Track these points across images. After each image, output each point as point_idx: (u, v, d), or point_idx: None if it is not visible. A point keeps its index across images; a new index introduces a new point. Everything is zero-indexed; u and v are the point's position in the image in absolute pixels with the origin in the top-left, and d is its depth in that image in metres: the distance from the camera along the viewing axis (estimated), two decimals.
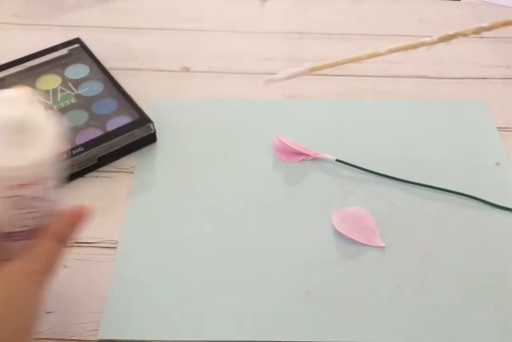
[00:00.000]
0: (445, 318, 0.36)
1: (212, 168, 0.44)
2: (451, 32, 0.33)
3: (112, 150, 0.43)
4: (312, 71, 0.33)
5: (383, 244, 0.39)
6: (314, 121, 0.48)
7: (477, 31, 0.33)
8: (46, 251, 0.26)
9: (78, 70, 0.49)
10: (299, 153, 0.44)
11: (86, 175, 0.43)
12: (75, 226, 0.28)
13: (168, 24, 0.57)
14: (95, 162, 0.43)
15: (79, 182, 0.43)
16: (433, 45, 0.32)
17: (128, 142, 0.44)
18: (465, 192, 0.42)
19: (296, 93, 0.50)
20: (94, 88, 0.47)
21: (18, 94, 0.25)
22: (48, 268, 0.26)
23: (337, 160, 0.44)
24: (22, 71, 0.48)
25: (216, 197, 0.42)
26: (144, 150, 0.45)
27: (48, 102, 0.46)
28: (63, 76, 0.48)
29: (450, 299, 0.36)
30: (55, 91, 0.47)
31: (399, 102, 0.49)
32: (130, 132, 0.43)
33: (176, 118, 0.48)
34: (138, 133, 0.44)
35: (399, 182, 0.43)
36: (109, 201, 0.42)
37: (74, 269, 0.38)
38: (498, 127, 0.47)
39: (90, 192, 0.42)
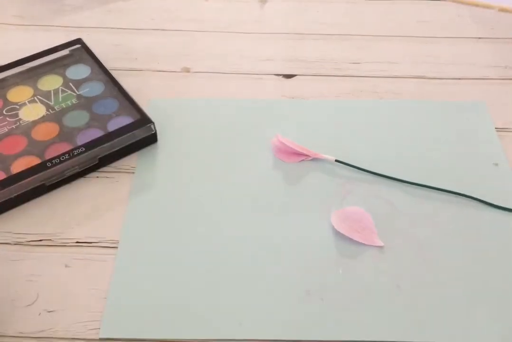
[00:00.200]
0: (445, 317, 0.36)
1: (212, 168, 0.44)
2: None
3: (113, 150, 0.43)
4: None
5: (382, 244, 0.39)
6: (314, 121, 0.48)
7: None
8: None
9: (79, 71, 0.49)
10: (299, 154, 0.45)
11: (87, 175, 0.44)
12: None
13: (169, 25, 0.58)
14: (96, 162, 0.43)
15: (80, 182, 0.43)
16: None
17: (129, 143, 0.44)
18: (464, 192, 0.42)
19: (296, 94, 0.51)
20: (95, 88, 0.48)
21: None
22: None
23: (336, 161, 0.44)
24: (23, 71, 0.49)
25: (216, 197, 0.42)
26: (145, 150, 0.45)
27: (50, 103, 0.46)
28: (64, 77, 0.49)
29: (449, 298, 0.37)
30: (56, 91, 0.47)
31: (398, 103, 0.50)
32: (131, 133, 0.43)
33: (177, 118, 0.48)
34: (139, 134, 0.44)
35: (398, 182, 0.43)
36: (110, 201, 0.42)
37: (75, 269, 0.38)
38: (496, 128, 0.48)
39: (91, 192, 0.43)
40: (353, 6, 0.61)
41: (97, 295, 0.37)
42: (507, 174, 0.44)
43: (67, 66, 0.50)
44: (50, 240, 0.40)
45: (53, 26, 0.57)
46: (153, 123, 0.44)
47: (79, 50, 0.51)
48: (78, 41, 0.51)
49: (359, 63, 0.54)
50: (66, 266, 0.38)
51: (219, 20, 0.58)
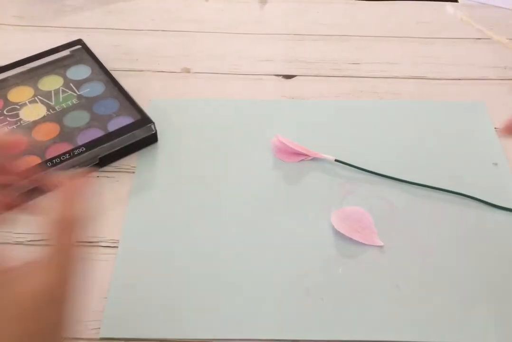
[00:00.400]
0: (444, 317, 0.36)
1: (212, 168, 0.44)
2: None
3: (113, 150, 0.43)
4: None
5: (381, 244, 0.39)
6: (314, 121, 0.48)
7: None
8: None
9: (80, 71, 0.49)
10: (299, 153, 0.45)
11: (88, 175, 0.44)
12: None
13: (169, 26, 0.58)
14: (97, 162, 0.43)
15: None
16: None
17: (129, 143, 0.44)
18: (463, 192, 0.42)
19: (295, 94, 0.51)
20: (96, 89, 0.48)
21: None
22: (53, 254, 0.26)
23: (336, 160, 0.44)
24: (24, 72, 0.49)
25: (216, 197, 0.42)
26: (145, 150, 0.46)
27: (50, 103, 0.46)
28: (65, 77, 0.49)
29: (449, 298, 0.37)
30: (57, 92, 0.47)
31: (398, 103, 0.50)
32: (131, 133, 0.43)
33: (177, 118, 0.48)
34: (139, 134, 0.44)
35: (398, 182, 0.43)
36: (110, 201, 0.42)
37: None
38: (495, 128, 0.48)
39: (91, 192, 0.43)
40: (353, 7, 0.61)
41: (97, 295, 0.37)
42: (507, 174, 0.44)
43: (67, 66, 0.50)
44: None
45: (53, 26, 0.57)
46: (153, 123, 0.44)
47: (79, 51, 0.51)
48: (79, 41, 0.51)
49: (359, 63, 0.54)
50: None
51: (219, 20, 0.59)
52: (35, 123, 0.45)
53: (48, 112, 0.46)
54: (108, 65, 0.50)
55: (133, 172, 0.44)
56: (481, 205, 0.42)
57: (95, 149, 0.42)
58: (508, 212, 0.41)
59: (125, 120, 0.45)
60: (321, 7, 0.61)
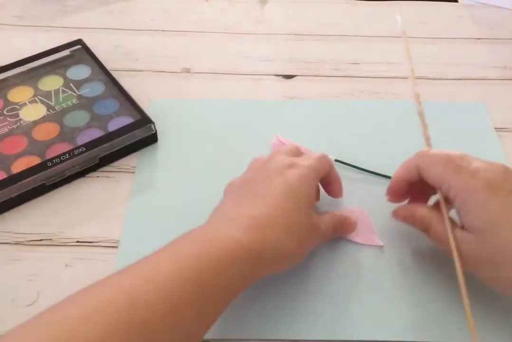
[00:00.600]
0: (445, 317, 0.36)
1: (212, 168, 0.44)
2: None
3: (113, 150, 0.43)
4: None
5: (381, 244, 0.39)
6: (314, 121, 0.48)
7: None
8: (328, 224, 0.37)
9: (80, 71, 0.49)
10: None
11: (88, 175, 0.44)
12: (342, 230, 0.39)
13: (169, 26, 0.58)
14: (97, 162, 0.43)
15: (81, 182, 0.43)
16: None
17: (129, 143, 0.44)
18: None
19: (295, 94, 0.51)
20: (96, 89, 0.48)
21: None
22: (327, 232, 0.36)
23: (336, 160, 0.44)
24: (24, 72, 0.49)
25: (216, 197, 0.42)
26: (145, 150, 0.46)
27: (50, 103, 0.46)
28: (65, 77, 0.49)
29: (450, 298, 0.36)
30: (57, 92, 0.47)
31: (398, 103, 0.50)
32: (131, 133, 0.43)
33: (177, 118, 0.48)
34: (139, 134, 0.44)
35: None
36: (110, 201, 0.42)
37: (76, 268, 0.38)
38: (495, 128, 0.48)
39: (91, 192, 0.43)
40: (353, 6, 0.61)
41: None
42: None
43: (67, 66, 0.50)
44: (50, 239, 0.40)
45: (53, 26, 0.57)
46: (153, 123, 0.44)
47: (79, 51, 0.51)
48: (79, 41, 0.51)
49: (359, 63, 0.54)
50: (66, 265, 0.38)
51: (219, 20, 0.59)
52: (35, 123, 0.45)
53: (48, 112, 0.46)
54: (108, 65, 0.50)
55: (133, 172, 0.44)
56: None
57: (95, 149, 0.42)
58: None
59: (125, 120, 0.45)
60: (321, 7, 0.61)
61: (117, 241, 0.39)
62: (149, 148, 0.46)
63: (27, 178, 0.40)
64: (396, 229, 0.40)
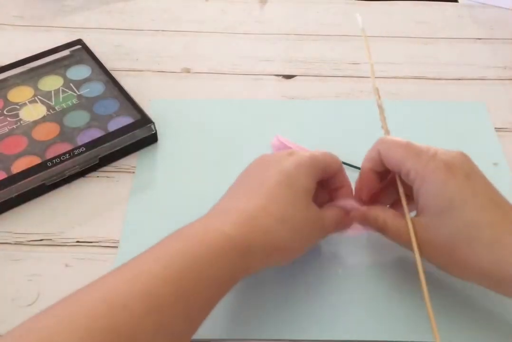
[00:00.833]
0: (445, 317, 0.36)
1: (212, 168, 0.44)
2: None
3: (113, 150, 0.43)
4: None
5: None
6: (314, 121, 0.48)
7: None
8: (333, 214, 0.35)
9: (80, 71, 0.49)
10: None
11: (88, 175, 0.44)
12: (344, 225, 0.37)
13: (169, 26, 0.58)
14: (97, 162, 0.43)
15: (81, 182, 0.43)
16: None
17: (129, 143, 0.44)
18: None
19: (295, 94, 0.51)
20: (96, 89, 0.48)
21: None
22: (330, 223, 0.35)
23: None
24: (24, 72, 0.49)
25: (216, 197, 0.42)
26: (145, 150, 0.46)
27: (50, 103, 0.46)
28: (65, 77, 0.49)
29: (450, 298, 0.37)
30: (57, 92, 0.47)
31: (398, 103, 0.50)
32: (131, 133, 0.43)
33: (177, 118, 0.48)
34: (139, 134, 0.44)
35: None
36: (110, 201, 0.42)
37: (76, 268, 0.38)
38: (495, 128, 0.48)
39: (91, 192, 0.43)
40: (353, 7, 0.61)
41: None
42: (507, 174, 0.44)
43: (67, 66, 0.50)
44: (50, 239, 0.40)
45: (53, 26, 0.57)
46: (153, 123, 0.44)
47: (79, 51, 0.51)
48: (79, 41, 0.51)
49: (359, 63, 0.54)
50: (66, 265, 0.38)
51: (219, 20, 0.59)
52: (35, 123, 0.45)
53: (48, 112, 0.46)
54: (108, 65, 0.50)
55: (133, 172, 0.44)
56: None
57: (95, 149, 0.42)
58: None
59: (125, 120, 0.45)
60: (321, 7, 0.61)
61: (117, 241, 0.39)
62: (149, 148, 0.46)
63: (27, 178, 0.40)
64: None
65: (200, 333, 0.35)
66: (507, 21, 0.59)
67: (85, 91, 0.48)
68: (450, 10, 0.61)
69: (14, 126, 0.45)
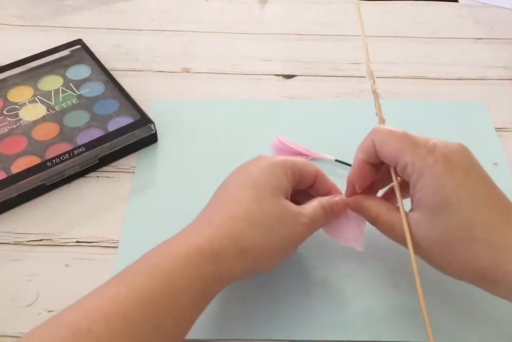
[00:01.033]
0: (445, 316, 0.36)
1: (212, 168, 0.44)
2: None
3: (113, 150, 0.43)
4: None
5: (361, 249, 0.36)
6: (314, 121, 0.48)
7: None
8: (315, 208, 0.34)
9: (80, 71, 0.49)
10: (299, 153, 0.45)
11: (87, 175, 0.44)
12: (333, 212, 0.35)
13: (169, 26, 0.58)
14: (96, 162, 0.43)
15: (80, 182, 0.43)
16: None
17: (129, 143, 0.44)
18: None
19: (295, 94, 0.51)
20: (96, 88, 0.48)
21: None
22: (312, 218, 0.33)
23: (336, 160, 0.44)
24: (24, 72, 0.49)
25: None
26: (145, 150, 0.45)
27: (50, 103, 0.46)
28: (64, 77, 0.49)
29: (450, 297, 0.36)
30: (56, 91, 0.47)
31: (398, 103, 0.50)
32: (131, 133, 0.43)
33: (177, 118, 0.48)
34: (139, 134, 0.44)
35: None
36: (110, 201, 0.42)
37: (75, 268, 0.38)
38: (495, 128, 0.48)
39: (91, 192, 0.43)
40: (352, 6, 0.61)
41: None
42: (507, 174, 0.44)
43: (67, 66, 0.50)
44: (50, 239, 0.40)
45: (53, 26, 0.57)
46: (153, 123, 0.44)
47: (79, 51, 0.51)
48: (79, 41, 0.51)
49: (359, 63, 0.54)
50: (66, 266, 0.38)
51: (219, 20, 0.59)
52: (35, 123, 0.45)
53: (48, 112, 0.46)
54: (108, 65, 0.50)
55: (133, 172, 0.44)
56: None
57: (95, 149, 0.42)
58: None
59: (125, 120, 0.45)
60: (321, 7, 0.61)
61: (117, 241, 0.39)
62: (149, 148, 0.46)
63: (26, 178, 0.40)
64: None
65: (198, 333, 0.35)
66: (507, 21, 0.59)
67: (85, 91, 0.47)
68: (450, 10, 0.61)
69: (14, 126, 0.44)
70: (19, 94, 0.47)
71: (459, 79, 0.53)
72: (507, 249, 0.29)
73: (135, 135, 0.44)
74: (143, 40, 0.56)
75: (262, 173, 0.33)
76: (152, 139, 0.45)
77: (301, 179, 0.35)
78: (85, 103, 0.46)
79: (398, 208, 0.33)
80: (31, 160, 0.42)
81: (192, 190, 0.43)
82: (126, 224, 0.40)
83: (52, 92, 0.47)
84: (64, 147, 0.43)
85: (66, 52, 0.50)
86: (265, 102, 0.50)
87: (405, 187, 0.33)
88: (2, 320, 0.35)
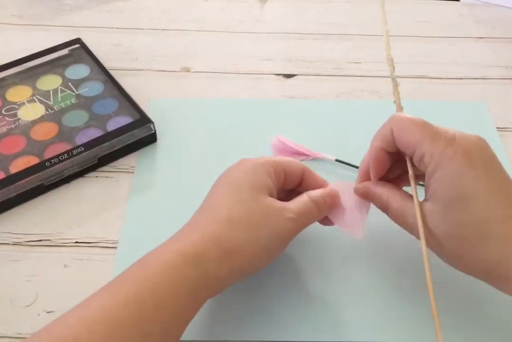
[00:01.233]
0: (446, 316, 0.35)
1: (212, 168, 0.44)
2: None
3: (112, 150, 0.43)
4: None
5: (360, 236, 0.35)
6: (314, 121, 0.48)
7: None
8: (303, 202, 0.33)
9: (79, 70, 0.49)
10: (299, 153, 0.44)
11: (86, 175, 0.43)
12: (327, 204, 0.35)
13: (169, 25, 0.57)
14: (96, 162, 0.43)
15: (80, 182, 0.43)
16: None
17: (128, 142, 0.44)
18: None
19: (296, 93, 0.51)
20: (95, 88, 0.47)
21: None
22: (300, 212, 0.33)
23: (336, 160, 0.44)
24: (22, 71, 0.48)
25: None
26: (144, 150, 0.45)
27: (49, 102, 0.46)
28: (63, 76, 0.48)
29: (450, 297, 0.36)
30: (55, 91, 0.47)
31: None
32: (130, 132, 0.43)
33: (176, 118, 0.48)
34: (138, 133, 0.44)
35: None
36: (109, 201, 0.42)
37: (75, 269, 0.38)
38: (497, 127, 0.47)
39: (90, 192, 0.42)
40: (354, 5, 0.61)
41: None
42: (509, 174, 0.44)
43: (66, 65, 0.49)
44: (49, 240, 0.39)
45: (52, 25, 0.57)
46: (153, 122, 0.44)
47: (78, 50, 0.51)
48: (78, 41, 0.51)
49: (359, 62, 0.54)
50: (65, 266, 0.38)
51: (219, 20, 0.58)
52: (34, 122, 0.45)
53: (46, 112, 0.45)
54: (107, 64, 0.50)
55: (132, 172, 0.44)
56: None
57: (94, 149, 0.42)
58: None
59: (124, 120, 0.44)
60: (321, 6, 0.60)
61: (116, 242, 0.39)
62: (148, 148, 0.45)
63: (25, 178, 0.40)
64: (396, 229, 0.40)
65: (198, 334, 0.35)
66: (508, 20, 0.59)
67: (84, 90, 0.47)
68: (451, 9, 0.60)
69: (13, 126, 0.44)
70: (18, 93, 0.47)
71: (460, 79, 0.52)
72: None
73: (135, 135, 0.44)
74: (143, 39, 0.56)
75: (243, 174, 0.33)
76: (151, 139, 0.45)
77: (287, 177, 0.35)
78: (84, 103, 0.46)
79: (410, 196, 0.32)
80: (30, 160, 0.42)
81: (192, 190, 0.42)
82: (125, 225, 0.40)
83: (51, 91, 0.47)
84: (63, 147, 0.43)
85: (65, 51, 0.50)
86: (265, 102, 0.49)
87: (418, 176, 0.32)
88: (1, 320, 0.35)
